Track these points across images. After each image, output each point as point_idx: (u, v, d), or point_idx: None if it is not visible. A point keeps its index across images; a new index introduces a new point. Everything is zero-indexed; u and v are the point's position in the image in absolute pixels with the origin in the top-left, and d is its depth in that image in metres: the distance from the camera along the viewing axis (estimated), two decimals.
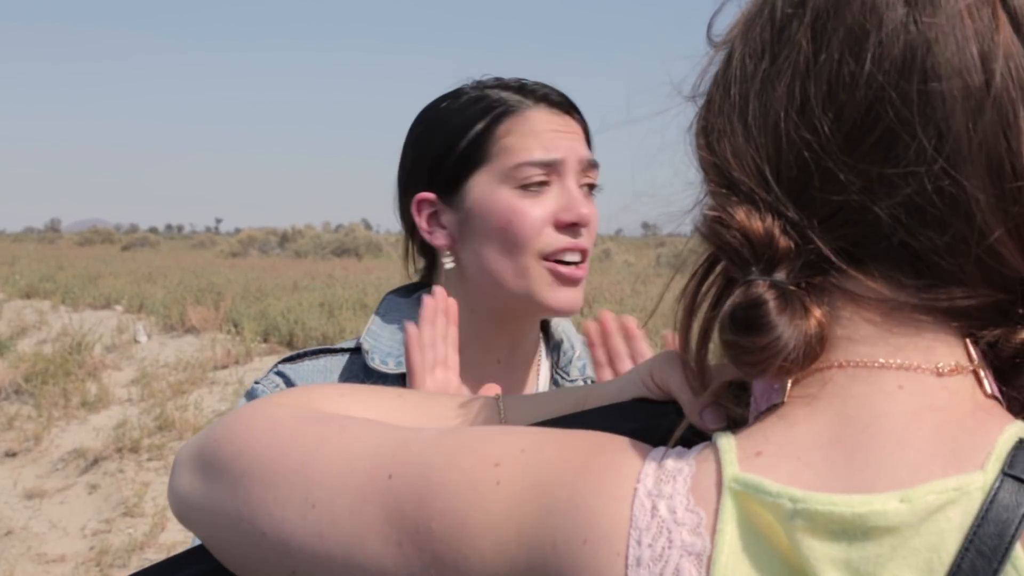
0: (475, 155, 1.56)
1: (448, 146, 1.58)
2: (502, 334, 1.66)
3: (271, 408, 0.90)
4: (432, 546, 0.73)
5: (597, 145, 1.66)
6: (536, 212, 1.53)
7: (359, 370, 1.61)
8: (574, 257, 1.56)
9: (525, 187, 1.53)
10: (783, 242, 0.71)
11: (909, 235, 0.70)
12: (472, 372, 1.62)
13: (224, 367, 11.82)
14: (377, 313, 1.68)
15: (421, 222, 1.62)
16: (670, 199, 0.81)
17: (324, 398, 0.95)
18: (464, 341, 1.62)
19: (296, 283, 19.06)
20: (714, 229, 0.74)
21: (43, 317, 16.94)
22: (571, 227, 1.55)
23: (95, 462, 8.73)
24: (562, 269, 1.55)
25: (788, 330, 0.69)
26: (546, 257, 1.55)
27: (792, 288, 0.71)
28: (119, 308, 17.51)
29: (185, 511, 0.91)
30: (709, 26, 0.83)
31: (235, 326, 13.93)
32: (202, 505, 0.88)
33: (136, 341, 14.00)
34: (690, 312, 0.78)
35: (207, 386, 11.09)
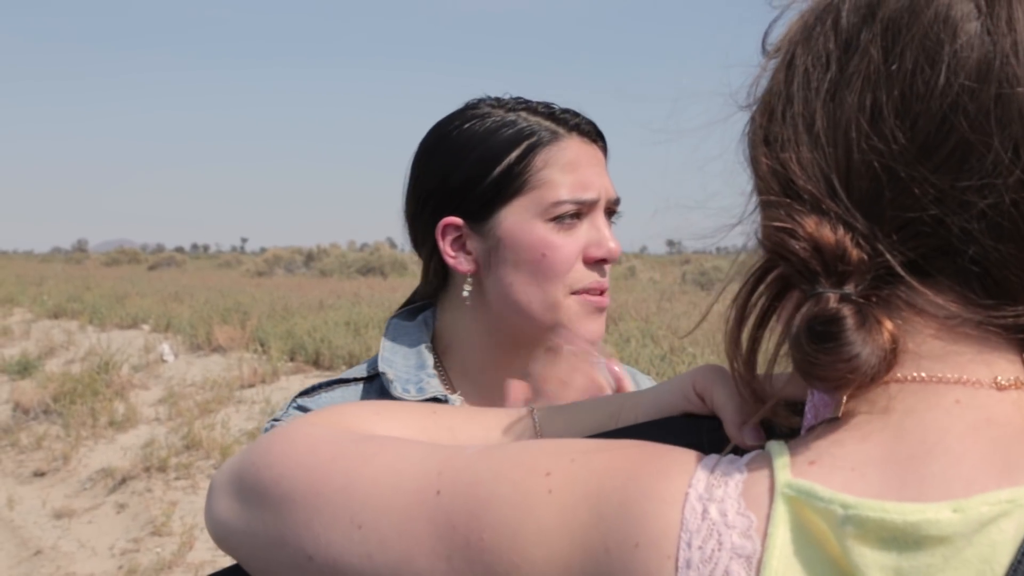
0: (510, 185, 1.54)
1: (480, 172, 1.56)
2: (519, 358, 1.62)
3: (308, 429, 0.90)
4: (483, 558, 0.73)
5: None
6: (569, 247, 1.54)
7: (375, 398, 1.59)
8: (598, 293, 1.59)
9: (558, 220, 1.53)
10: (855, 254, 0.71)
11: (982, 249, 0.69)
12: (490, 396, 1.60)
13: (251, 386, 11.86)
14: (386, 338, 1.66)
15: (445, 247, 1.60)
16: (720, 211, 0.81)
17: (357, 417, 0.95)
18: (480, 366, 1.63)
19: (322, 302, 19.12)
20: (779, 239, 0.73)
21: (71, 337, 17.07)
22: (599, 263, 1.57)
23: (123, 481, 8.76)
24: (591, 298, 1.56)
25: (866, 347, 0.69)
26: (574, 292, 1.56)
27: (865, 302, 0.71)
28: (146, 328, 17.61)
29: (225, 536, 0.91)
30: (765, 35, 0.82)
31: (261, 345, 13.99)
32: (243, 530, 0.88)
33: (163, 360, 14.08)
34: (740, 321, 0.78)
35: (234, 405, 11.12)
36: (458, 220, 1.58)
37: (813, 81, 0.75)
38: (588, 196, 1.54)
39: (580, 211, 1.54)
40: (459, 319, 1.65)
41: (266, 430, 1.57)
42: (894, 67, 0.71)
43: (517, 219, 1.54)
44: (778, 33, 0.81)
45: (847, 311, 0.69)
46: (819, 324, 0.69)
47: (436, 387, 1.57)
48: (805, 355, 0.70)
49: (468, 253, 1.59)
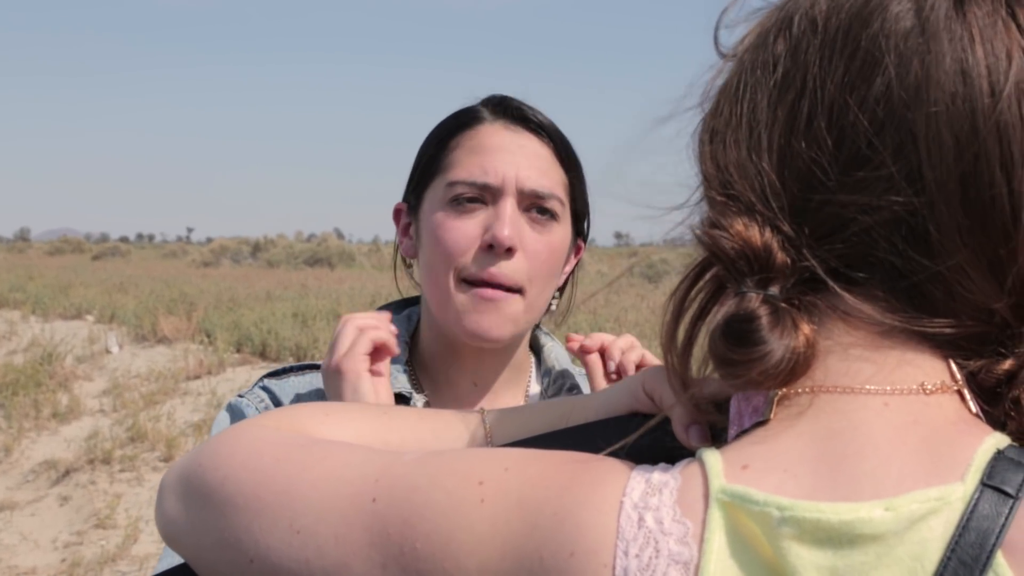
0: (430, 168, 1.54)
1: (419, 157, 1.58)
2: (470, 356, 1.58)
3: (256, 432, 0.90)
4: (417, 566, 0.74)
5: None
6: (461, 229, 1.47)
7: None
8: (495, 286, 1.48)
9: (456, 203, 1.48)
10: (780, 257, 0.73)
11: (906, 262, 0.71)
12: (446, 393, 1.59)
13: (197, 377, 11.75)
14: None
15: (399, 231, 1.63)
16: (666, 204, 0.82)
17: (310, 418, 0.96)
18: (436, 362, 1.60)
19: (269, 293, 18.97)
20: (712, 237, 0.75)
21: (13, 327, 16.79)
22: (490, 249, 1.47)
23: (66, 473, 8.64)
24: (478, 289, 1.47)
25: (777, 346, 0.70)
26: (464, 280, 1.48)
27: (784, 304, 0.72)
28: (90, 318, 17.39)
29: (173, 535, 0.91)
30: (716, 37, 0.83)
31: (208, 336, 13.87)
32: (189, 531, 0.89)
33: (108, 351, 13.90)
34: (677, 315, 0.79)
35: (179, 397, 11.01)
36: (403, 205, 1.61)
37: (760, 85, 0.77)
38: (483, 180, 1.47)
39: (480, 196, 1.48)
40: (423, 311, 1.63)
41: (230, 406, 1.57)
42: (833, 79, 0.73)
43: (430, 202, 1.53)
44: (728, 36, 0.83)
45: (763, 311, 0.71)
46: (734, 322, 0.72)
47: (403, 383, 1.55)
48: (718, 352, 0.73)
49: (411, 238, 1.60)
